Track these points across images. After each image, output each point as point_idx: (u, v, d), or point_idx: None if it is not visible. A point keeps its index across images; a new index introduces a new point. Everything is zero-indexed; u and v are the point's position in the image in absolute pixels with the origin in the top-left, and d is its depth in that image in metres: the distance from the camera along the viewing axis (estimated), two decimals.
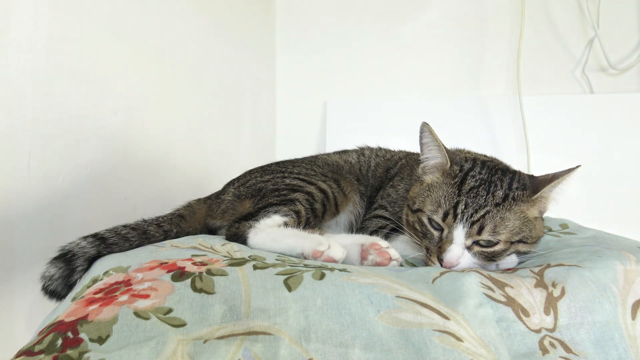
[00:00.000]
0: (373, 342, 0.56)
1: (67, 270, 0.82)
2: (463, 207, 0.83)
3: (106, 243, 0.85)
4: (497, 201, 0.83)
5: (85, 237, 0.85)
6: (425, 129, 0.89)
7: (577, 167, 0.81)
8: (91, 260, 0.83)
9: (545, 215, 0.89)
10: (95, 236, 0.85)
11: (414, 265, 0.88)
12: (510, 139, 1.99)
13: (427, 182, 0.91)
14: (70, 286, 0.82)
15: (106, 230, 0.88)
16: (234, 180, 1.16)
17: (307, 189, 1.02)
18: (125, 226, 0.90)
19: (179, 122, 1.51)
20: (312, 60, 2.28)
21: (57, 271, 0.81)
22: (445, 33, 2.12)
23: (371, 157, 1.25)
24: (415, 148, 0.93)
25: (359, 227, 1.11)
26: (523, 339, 0.60)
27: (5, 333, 0.95)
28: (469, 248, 0.83)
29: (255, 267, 0.68)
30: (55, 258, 0.82)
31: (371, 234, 1.00)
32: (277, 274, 0.66)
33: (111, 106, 1.19)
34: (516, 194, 0.84)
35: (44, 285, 0.81)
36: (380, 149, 1.32)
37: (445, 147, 0.90)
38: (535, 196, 0.83)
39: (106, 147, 1.18)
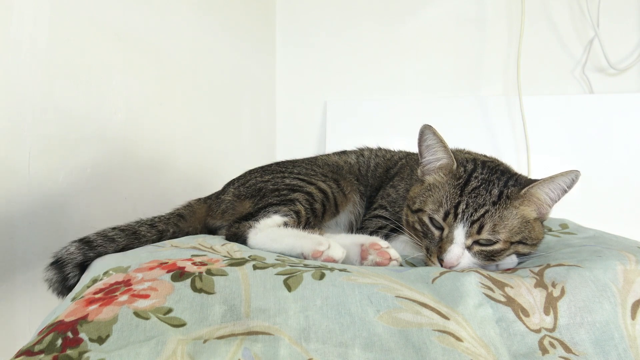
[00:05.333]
0: (373, 342, 0.56)
1: (60, 276, 0.84)
2: (464, 207, 0.83)
3: (91, 246, 0.86)
4: (494, 200, 0.83)
5: (74, 242, 0.86)
6: (428, 131, 0.88)
7: (574, 171, 0.79)
8: (81, 266, 0.84)
9: None
10: (82, 240, 0.86)
11: (413, 265, 0.88)
12: (510, 139, 1.99)
13: (428, 182, 0.91)
14: (69, 288, 0.83)
15: (94, 233, 0.88)
16: (234, 180, 1.16)
17: (307, 189, 1.02)
18: (114, 228, 0.91)
19: (179, 122, 1.51)
20: (312, 60, 2.28)
21: (53, 276, 0.84)
22: (445, 33, 2.12)
23: (370, 157, 1.25)
24: (415, 148, 0.93)
25: (358, 227, 1.11)
26: (523, 339, 0.60)
27: (5, 333, 0.95)
28: (469, 248, 0.83)
29: (255, 267, 0.68)
30: (51, 264, 0.84)
31: (371, 234, 1.00)
32: (277, 274, 0.66)
33: (111, 106, 1.19)
34: (510, 190, 0.84)
35: (49, 287, 0.85)
36: (380, 149, 1.31)
37: (450, 149, 0.90)
38: (524, 191, 0.83)
39: (106, 147, 1.18)
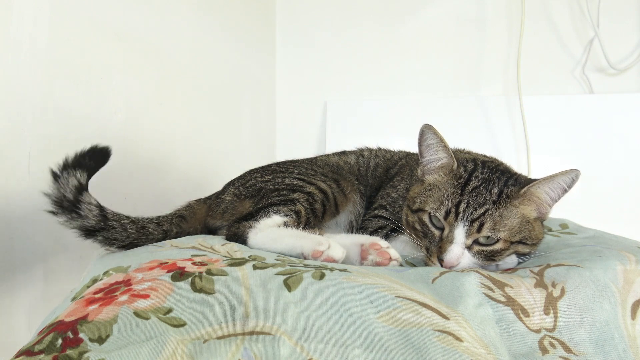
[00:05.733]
0: (373, 342, 0.56)
1: (69, 205, 0.81)
2: (465, 206, 0.83)
3: (106, 223, 0.85)
4: (494, 199, 0.83)
5: (97, 205, 0.85)
6: (428, 130, 0.88)
7: (574, 170, 0.79)
8: (86, 231, 0.83)
9: None
10: (102, 212, 0.85)
11: (413, 265, 0.88)
12: (510, 139, 1.99)
13: (428, 182, 0.91)
14: (60, 204, 0.81)
15: (112, 213, 0.87)
16: (234, 180, 1.16)
17: (307, 189, 1.02)
18: (127, 217, 0.90)
19: (179, 122, 1.51)
20: (312, 60, 2.28)
21: (59, 193, 0.81)
22: (445, 33, 2.12)
23: (370, 157, 1.25)
24: (415, 148, 0.93)
25: (358, 227, 1.11)
26: (523, 339, 0.60)
27: (5, 333, 0.95)
28: (469, 248, 0.83)
29: (255, 267, 0.68)
30: (77, 187, 0.81)
31: (371, 234, 1.00)
32: (277, 274, 0.66)
33: (111, 106, 1.19)
34: (510, 190, 0.84)
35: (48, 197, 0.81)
36: (379, 149, 1.32)
37: (450, 148, 0.90)
38: (524, 190, 0.83)
39: None
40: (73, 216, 0.82)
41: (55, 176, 0.81)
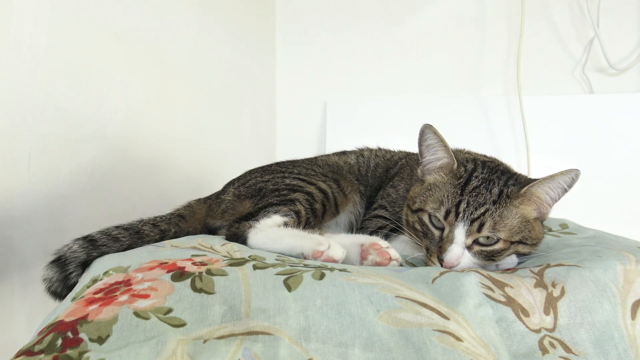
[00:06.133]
0: (373, 342, 0.56)
1: (62, 274, 0.83)
2: (465, 205, 0.83)
3: (95, 245, 0.85)
4: (494, 198, 0.83)
5: (77, 240, 0.85)
6: (429, 130, 0.88)
7: (574, 170, 0.79)
8: (84, 265, 0.83)
9: None
10: (85, 238, 0.85)
11: (413, 265, 0.88)
12: (510, 139, 1.99)
13: (428, 182, 0.91)
14: (69, 287, 0.82)
15: (98, 231, 0.87)
16: (234, 180, 1.16)
17: (307, 189, 1.02)
18: (117, 227, 0.90)
19: (179, 122, 1.51)
20: (312, 60, 2.28)
21: (54, 274, 0.83)
22: (445, 33, 2.12)
23: (370, 157, 1.25)
24: (415, 148, 0.93)
25: (358, 227, 1.11)
26: (523, 339, 0.60)
27: (5, 333, 0.95)
28: (469, 248, 0.83)
29: (255, 267, 0.68)
30: (52, 262, 0.83)
31: (371, 234, 1.00)
32: (277, 274, 0.66)
33: (111, 106, 1.19)
34: (510, 190, 0.84)
35: (46, 286, 0.83)
36: (380, 149, 1.32)
37: (450, 148, 0.90)
38: (524, 190, 0.83)
39: (106, 147, 1.18)
40: (72, 271, 0.84)
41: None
